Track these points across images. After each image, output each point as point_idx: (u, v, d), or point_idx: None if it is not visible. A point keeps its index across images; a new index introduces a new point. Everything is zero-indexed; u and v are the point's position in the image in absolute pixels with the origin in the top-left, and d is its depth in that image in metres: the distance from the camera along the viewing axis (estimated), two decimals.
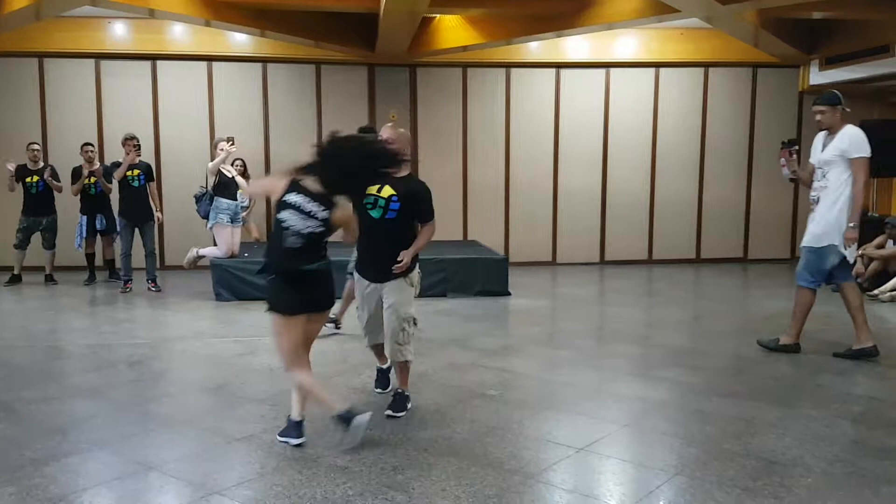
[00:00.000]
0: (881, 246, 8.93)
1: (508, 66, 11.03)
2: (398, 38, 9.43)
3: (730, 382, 5.15)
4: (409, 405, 4.48)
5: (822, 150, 5.70)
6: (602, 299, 9.27)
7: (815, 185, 5.71)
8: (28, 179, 9.12)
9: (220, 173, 8.25)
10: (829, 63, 10.54)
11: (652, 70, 11.21)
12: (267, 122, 10.74)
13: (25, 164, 9.14)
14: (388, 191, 4.26)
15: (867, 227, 9.62)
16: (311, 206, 3.72)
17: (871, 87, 10.99)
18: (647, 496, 3.38)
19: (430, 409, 4.54)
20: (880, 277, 8.66)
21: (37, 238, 9.31)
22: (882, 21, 8.99)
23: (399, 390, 4.50)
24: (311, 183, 3.74)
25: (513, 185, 11.15)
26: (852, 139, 5.54)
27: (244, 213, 8.95)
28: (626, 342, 6.51)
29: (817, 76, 10.88)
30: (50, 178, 9.09)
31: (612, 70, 11.16)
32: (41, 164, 9.27)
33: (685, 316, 7.84)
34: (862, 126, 10.84)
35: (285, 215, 3.72)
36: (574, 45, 10.86)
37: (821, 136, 5.79)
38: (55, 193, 9.24)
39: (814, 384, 5.12)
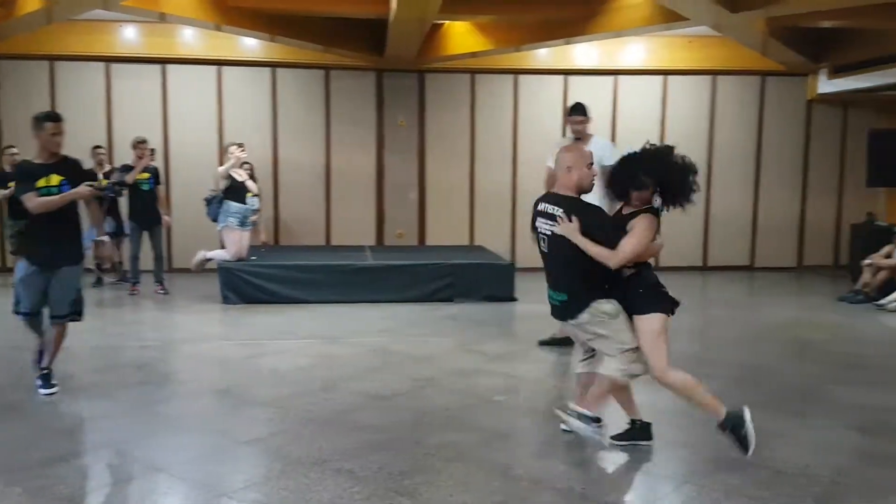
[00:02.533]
0: (889, 255, 8.89)
1: (517, 72, 11.04)
2: (407, 43, 9.46)
3: (738, 391, 5.13)
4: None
5: None
6: None
7: None
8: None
9: (230, 177, 8.29)
10: (837, 72, 10.53)
11: (660, 78, 11.20)
12: (276, 126, 10.78)
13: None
14: None
15: (875, 235, 9.64)
16: None
17: (879, 97, 10.97)
18: (654, 503, 3.38)
19: (438, 413, 4.54)
20: (888, 287, 8.62)
21: None
22: (891, 30, 8.97)
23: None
24: None
25: (520, 192, 11.14)
26: (611, 148, 5.75)
27: (253, 217, 8.98)
28: None
29: (826, 85, 10.86)
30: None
31: (621, 77, 11.15)
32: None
33: (693, 323, 7.82)
34: (870, 136, 10.89)
35: None
36: (582, 53, 10.87)
37: (564, 143, 5.79)
38: None
39: (822, 394, 5.11)
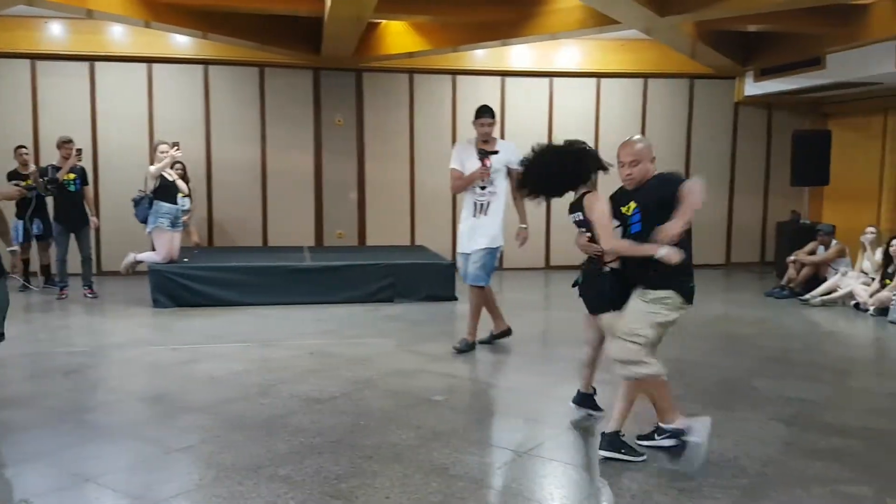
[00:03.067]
0: (812, 252, 9.26)
1: (455, 73, 11.09)
2: (344, 42, 9.39)
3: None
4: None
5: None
6: (547, 303, 9.38)
7: (485, 190, 6.00)
8: None
9: (160, 177, 8.09)
10: (763, 74, 10.90)
11: (594, 80, 11.40)
12: (209, 125, 10.57)
13: None
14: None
15: (799, 233, 10.02)
16: None
17: (804, 98, 11.43)
18: (588, 498, 3.44)
19: (376, 415, 4.52)
20: (812, 283, 8.97)
21: None
22: (814, 34, 9.33)
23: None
24: None
25: None
26: (515, 151, 5.76)
27: (185, 217, 8.78)
28: (571, 346, 6.56)
29: (752, 87, 11.24)
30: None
31: (556, 79, 11.32)
32: None
33: None
34: (794, 136, 11.30)
35: None
36: (518, 55, 10.99)
37: (470, 145, 6.08)
38: None
39: (749, 387, 5.28)
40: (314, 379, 5.29)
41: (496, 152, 6.01)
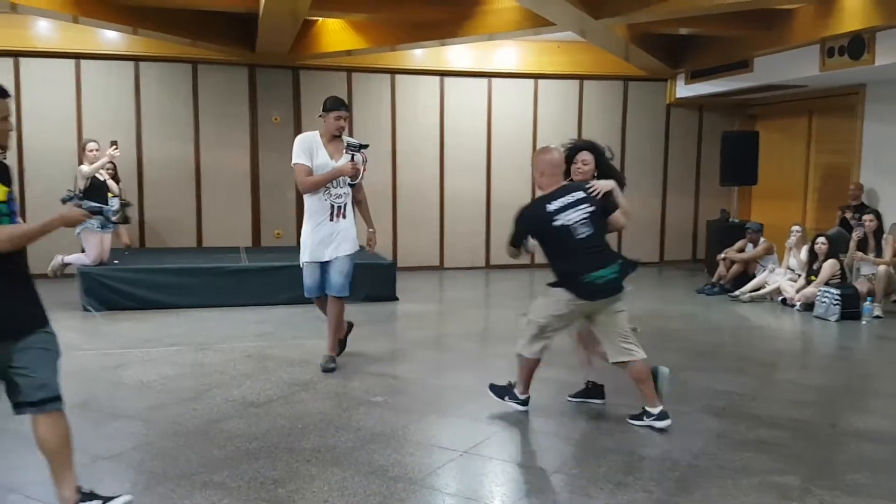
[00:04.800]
0: (741, 250, 9.55)
1: (394, 72, 11.05)
2: (279, 38, 9.25)
3: (604, 380, 5.34)
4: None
5: (333, 158, 5.46)
6: (487, 302, 9.44)
7: (341, 191, 5.51)
8: None
9: (91, 176, 7.83)
10: (693, 77, 11.19)
11: (531, 81, 11.52)
12: (140, 122, 10.27)
13: None
14: None
15: (729, 231, 10.32)
16: None
17: (732, 101, 11.77)
18: (527, 495, 3.47)
19: (314, 418, 4.47)
20: (741, 279, 9.25)
21: None
22: (742, 37, 9.62)
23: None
24: None
25: (400, 191, 11.17)
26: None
27: (115, 218, 8.51)
28: (510, 344, 6.61)
29: (683, 89, 11.53)
30: None
31: (494, 80, 11.39)
32: None
33: None
34: (723, 137, 11.63)
35: None
36: (457, 55, 11.02)
37: (320, 141, 5.47)
38: None
39: (679, 381, 5.39)
40: (250, 382, 5.20)
41: (367, 146, 5.59)
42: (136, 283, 7.84)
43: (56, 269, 7.88)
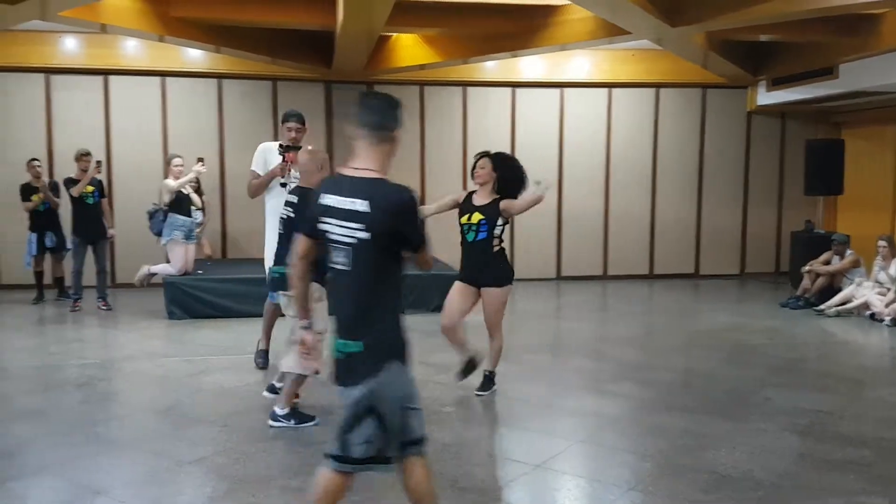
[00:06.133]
0: (827, 262, 9.18)
1: (465, 84, 11.12)
2: (355, 55, 9.44)
3: (681, 397, 5.24)
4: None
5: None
6: (556, 314, 9.34)
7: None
8: None
9: (177, 190, 8.15)
10: (775, 84, 10.86)
11: (605, 90, 11.40)
12: (222, 137, 10.63)
13: None
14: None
15: (814, 243, 9.95)
16: None
17: (816, 108, 11.36)
18: None
19: None
20: (826, 293, 8.90)
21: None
22: (825, 43, 9.29)
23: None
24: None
25: None
26: None
27: (198, 230, 8.83)
28: (580, 357, 6.57)
29: (764, 97, 11.19)
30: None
31: (567, 90, 11.32)
32: None
33: (637, 331, 7.95)
34: (807, 146, 11.23)
35: None
36: (529, 65, 11.00)
37: (274, 150, 5.87)
38: None
39: (762, 398, 5.23)
40: (326, 391, 5.28)
41: (299, 147, 5.60)
42: (217, 292, 8.10)
43: (143, 279, 8.22)
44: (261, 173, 5.86)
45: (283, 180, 5.76)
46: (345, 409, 2.70)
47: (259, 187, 5.85)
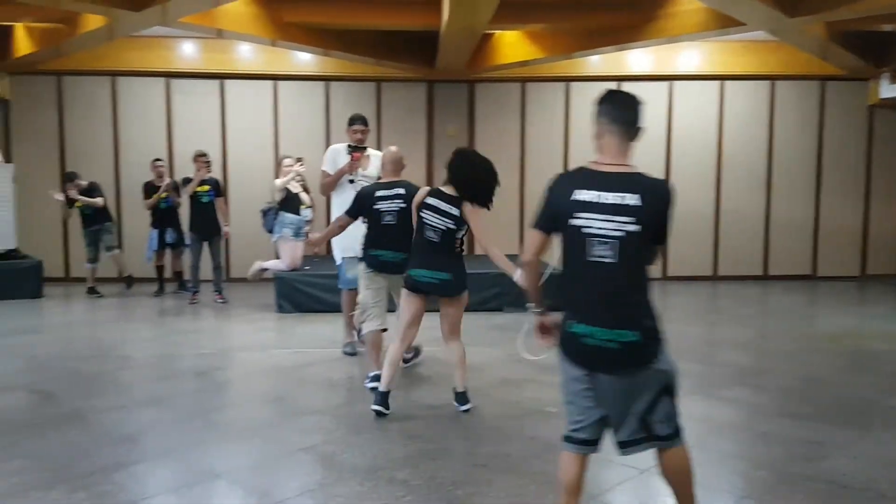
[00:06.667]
0: None
1: (568, 80, 11.00)
2: (458, 54, 9.51)
3: (797, 403, 5.00)
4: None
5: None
6: (665, 316, 9.07)
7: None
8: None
9: (286, 189, 8.44)
10: None
11: (716, 83, 11.02)
12: (329, 138, 10.93)
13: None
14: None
15: None
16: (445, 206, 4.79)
17: None
18: None
19: (488, 424, 4.53)
20: None
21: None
22: None
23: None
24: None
25: None
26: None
27: (306, 228, 9.11)
28: (690, 360, 6.35)
29: (888, 90, 10.52)
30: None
31: (676, 83, 11.01)
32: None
33: (751, 334, 7.63)
34: None
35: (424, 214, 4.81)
36: (636, 59, 10.76)
37: (342, 150, 6.19)
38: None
39: (886, 405, 4.93)
40: (428, 385, 5.37)
41: (365, 147, 6.15)
42: (324, 287, 8.33)
43: (255, 274, 8.56)
44: (330, 172, 6.17)
45: (350, 177, 6.08)
46: (617, 397, 3.00)
47: (330, 185, 6.19)
